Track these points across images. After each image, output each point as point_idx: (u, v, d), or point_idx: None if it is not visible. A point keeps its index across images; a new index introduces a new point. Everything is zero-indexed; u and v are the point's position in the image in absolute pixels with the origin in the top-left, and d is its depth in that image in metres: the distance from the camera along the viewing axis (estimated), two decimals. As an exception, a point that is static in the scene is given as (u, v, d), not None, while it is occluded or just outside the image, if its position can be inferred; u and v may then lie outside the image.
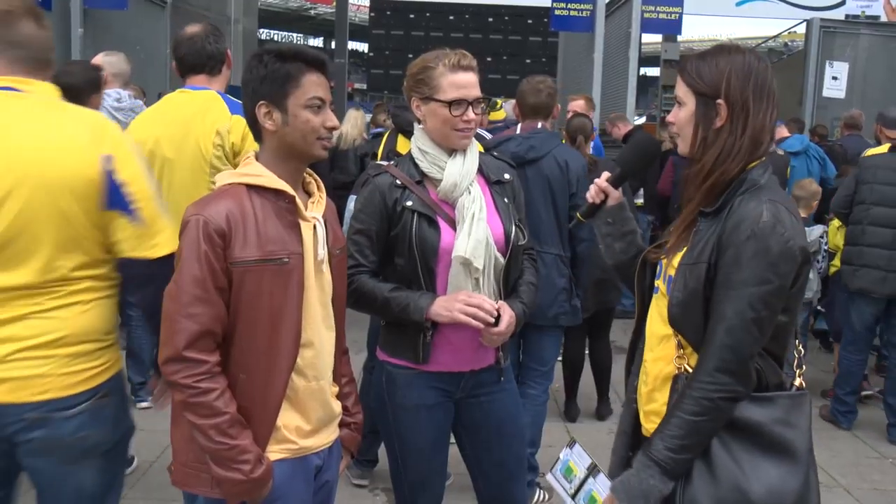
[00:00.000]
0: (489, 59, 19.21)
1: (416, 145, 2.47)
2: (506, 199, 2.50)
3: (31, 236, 1.96)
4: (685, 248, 1.89)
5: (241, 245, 1.93)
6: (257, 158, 2.06)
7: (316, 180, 2.16)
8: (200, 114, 3.03)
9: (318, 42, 40.31)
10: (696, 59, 1.94)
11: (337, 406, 2.19)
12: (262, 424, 1.97)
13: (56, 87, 2.12)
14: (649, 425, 1.97)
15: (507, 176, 2.55)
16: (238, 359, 1.95)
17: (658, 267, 2.01)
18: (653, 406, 1.97)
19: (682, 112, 1.93)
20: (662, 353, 1.94)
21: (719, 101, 1.86)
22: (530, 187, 3.64)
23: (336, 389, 2.20)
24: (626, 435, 2.09)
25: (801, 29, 11.56)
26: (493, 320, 2.34)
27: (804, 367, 1.97)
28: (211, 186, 2.56)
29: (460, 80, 2.37)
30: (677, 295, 1.85)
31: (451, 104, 2.36)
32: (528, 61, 20.00)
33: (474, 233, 2.34)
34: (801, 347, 1.99)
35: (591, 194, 2.19)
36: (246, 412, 1.94)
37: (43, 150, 1.97)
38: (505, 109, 8.43)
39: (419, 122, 2.48)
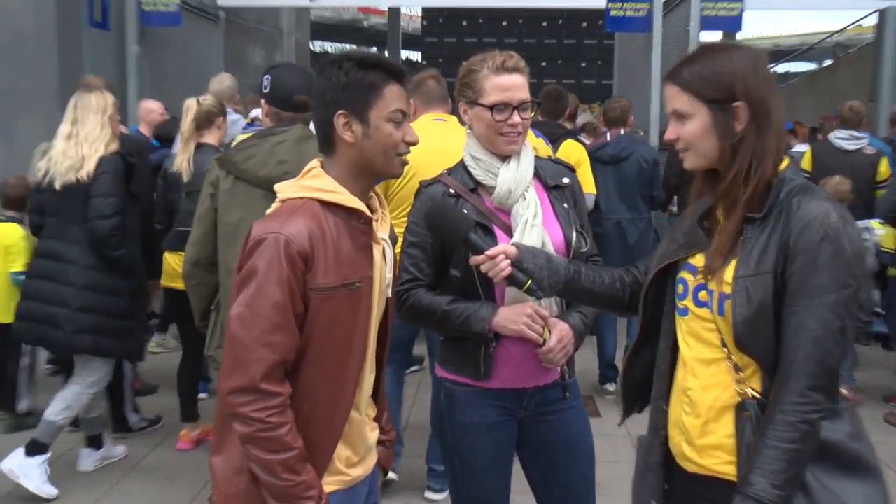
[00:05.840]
0: (543, 63, 19.01)
1: (468, 152, 2.40)
2: (565, 205, 2.41)
3: None
4: (734, 261, 1.74)
5: (323, 270, 1.82)
6: (324, 170, 1.93)
7: (378, 195, 2.04)
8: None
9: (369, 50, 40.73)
10: (688, 65, 1.80)
11: (373, 434, 2.11)
12: (322, 457, 1.89)
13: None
14: (707, 461, 1.81)
15: (565, 180, 2.46)
16: (304, 389, 1.85)
17: (681, 286, 1.87)
18: (710, 439, 1.80)
19: (691, 125, 1.79)
20: (714, 380, 1.80)
21: (737, 103, 1.74)
22: (627, 176, 5.58)
23: (373, 412, 2.13)
24: (659, 468, 1.92)
25: (869, 21, 11.18)
26: (541, 339, 2.26)
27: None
28: None
29: (504, 83, 2.29)
30: (742, 312, 1.70)
31: (493, 108, 2.28)
32: (583, 65, 19.73)
33: (526, 239, 2.25)
34: None
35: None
36: (307, 444, 1.84)
37: (454, 150, 2.79)
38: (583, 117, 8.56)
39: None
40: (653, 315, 1.96)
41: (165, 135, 5.70)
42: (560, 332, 2.30)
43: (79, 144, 3.94)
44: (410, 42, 28.29)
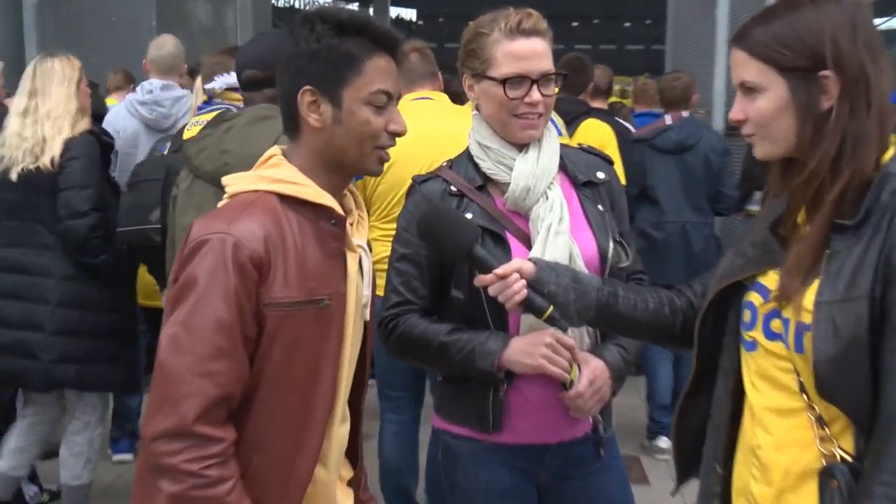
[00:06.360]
0: (575, 24, 19.13)
1: (475, 139, 2.41)
2: (599, 207, 2.42)
3: None
4: (817, 282, 1.72)
5: (282, 281, 1.82)
6: (286, 158, 1.95)
7: (353, 192, 2.06)
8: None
9: (352, 8, 41.02)
10: (761, 24, 1.78)
11: (347, 501, 2.12)
12: None
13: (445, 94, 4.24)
14: None
15: (600, 175, 2.47)
16: (254, 435, 1.85)
17: (748, 312, 1.87)
18: None
19: (762, 101, 1.77)
20: (791, 436, 1.79)
21: (825, 72, 1.71)
22: (693, 169, 5.64)
23: (348, 474, 2.14)
24: None
25: None
26: (567, 376, 2.26)
27: None
28: None
29: (520, 50, 2.29)
30: (827, 349, 1.68)
31: (505, 82, 2.29)
32: (626, 25, 19.85)
33: (549, 251, 2.26)
34: None
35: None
36: None
37: (446, 135, 3.41)
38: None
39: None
40: (711, 349, 1.96)
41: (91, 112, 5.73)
42: (593, 371, 2.29)
43: (38, 122, 3.96)
44: (404, -4, 28.42)
